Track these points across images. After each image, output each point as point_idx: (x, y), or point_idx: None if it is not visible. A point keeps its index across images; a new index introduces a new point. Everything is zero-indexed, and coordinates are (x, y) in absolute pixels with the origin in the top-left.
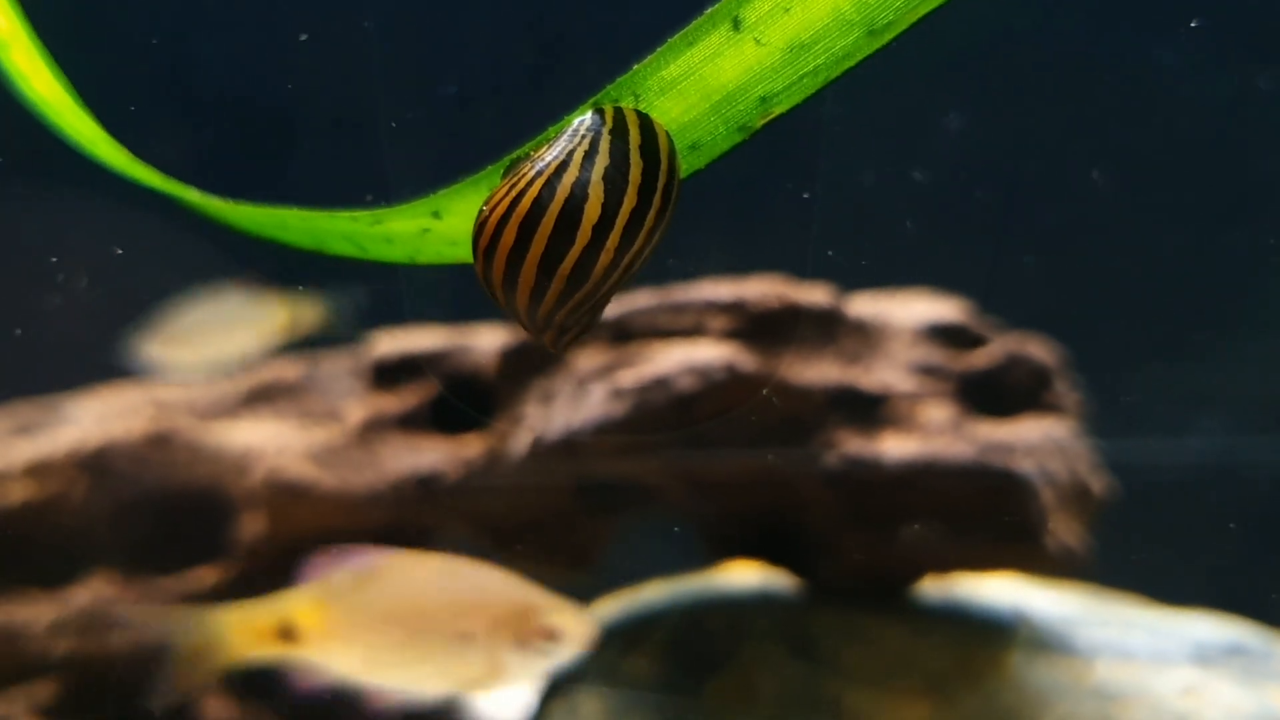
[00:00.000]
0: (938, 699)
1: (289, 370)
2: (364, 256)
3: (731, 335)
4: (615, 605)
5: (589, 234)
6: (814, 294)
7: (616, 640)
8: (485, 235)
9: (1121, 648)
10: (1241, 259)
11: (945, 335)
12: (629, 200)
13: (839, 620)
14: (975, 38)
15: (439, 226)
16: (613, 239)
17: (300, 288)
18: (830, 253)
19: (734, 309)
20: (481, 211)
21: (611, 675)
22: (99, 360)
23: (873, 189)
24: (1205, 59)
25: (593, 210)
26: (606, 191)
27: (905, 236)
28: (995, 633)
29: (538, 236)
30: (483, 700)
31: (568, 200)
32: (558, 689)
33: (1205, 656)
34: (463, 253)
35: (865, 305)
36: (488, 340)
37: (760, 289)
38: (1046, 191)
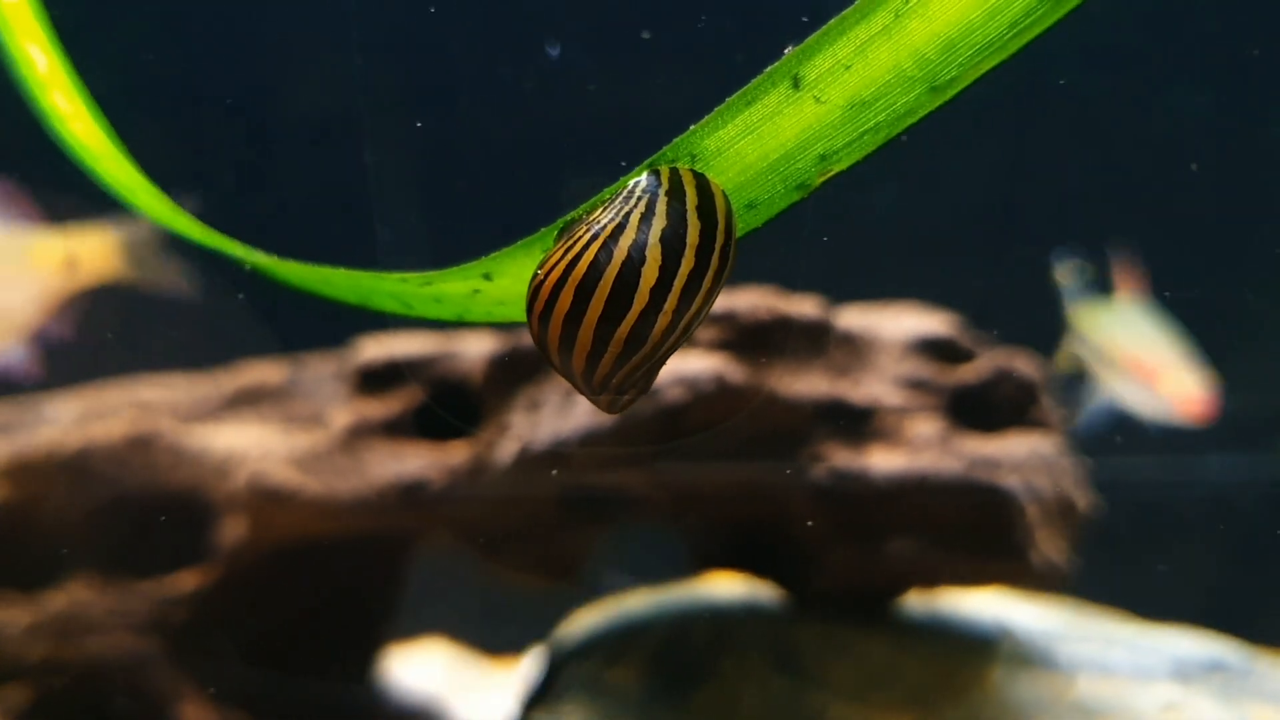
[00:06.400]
0: (921, 713)
1: (273, 373)
2: (410, 314)
3: (721, 347)
4: (599, 616)
5: (647, 297)
6: (803, 306)
7: (600, 651)
8: (541, 299)
9: (1103, 663)
10: (1231, 280)
11: (934, 349)
12: (687, 262)
13: (823, 633)
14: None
15: (490, 288)
16: (670, 301)
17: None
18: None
19: (723, 320)
20: (536, 275)
21: (595, 687)
22: (80, 361)
23: (864, 201)
24: (1195, 81)
25: (650, 273)
26: (664, 254)
27: (896, 249)
28: (978, 647)
29: (595, 300)
30: (464, 711)
31: (625, 263)
32: (540, 700)
33: (1186, 673)
34: (511, 312)
35: (855, 318)
36: (475, 347)
37: (750, 300)
38: (1038, 206)
